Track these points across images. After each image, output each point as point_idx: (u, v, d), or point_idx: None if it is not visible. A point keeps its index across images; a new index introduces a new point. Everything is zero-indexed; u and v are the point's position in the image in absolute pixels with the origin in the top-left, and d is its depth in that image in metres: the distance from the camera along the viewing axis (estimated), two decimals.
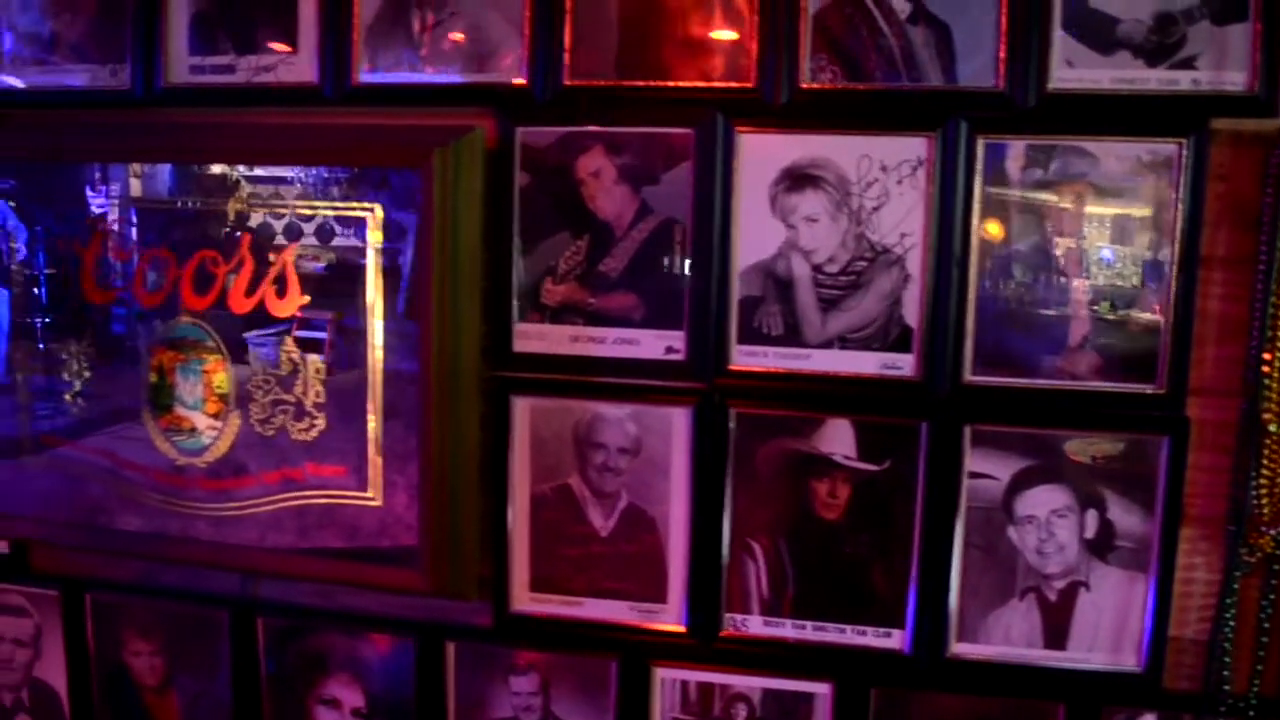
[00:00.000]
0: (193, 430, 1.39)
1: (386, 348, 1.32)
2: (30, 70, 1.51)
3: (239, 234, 1.34)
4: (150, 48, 1.44)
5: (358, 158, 1.29)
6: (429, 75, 1.36)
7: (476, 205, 1.30)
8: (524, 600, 1.41)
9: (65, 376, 1.43)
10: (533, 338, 1.36)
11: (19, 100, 1.51)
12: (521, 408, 1.38)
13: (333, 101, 1.38)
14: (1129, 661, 1.27)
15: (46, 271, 1.43)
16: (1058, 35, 1.21)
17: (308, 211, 1.32)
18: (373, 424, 1.32)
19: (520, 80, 1.33)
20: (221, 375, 1.37)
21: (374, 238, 1.30)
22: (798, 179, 1.28)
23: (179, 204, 1.38)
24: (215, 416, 1.38)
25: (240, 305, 1.35)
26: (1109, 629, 1.28)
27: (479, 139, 1.30)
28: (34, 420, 1.47)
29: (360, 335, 1.32)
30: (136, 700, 1.59)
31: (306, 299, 1.32)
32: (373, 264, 1.31)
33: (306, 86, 1.39)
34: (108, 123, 1.42)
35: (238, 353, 1.36)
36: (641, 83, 1.31)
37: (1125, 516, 1.26)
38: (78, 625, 1.59)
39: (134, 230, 1.40)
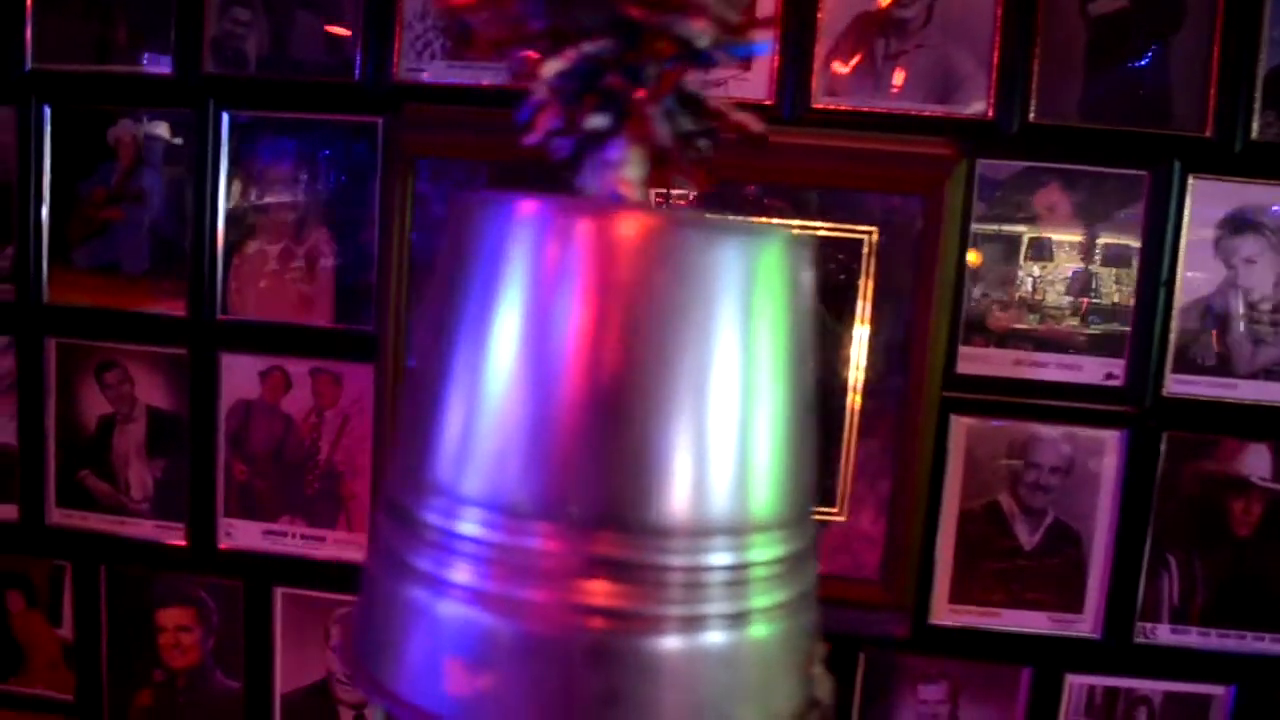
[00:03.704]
0: None
1: (869, 367, 1.35)
2: (439, 65, 1.46)
3: None
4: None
5: (865, 182, 1.32)
6: (887, 103, 1.40)
7: (957, 233, 1.36)
8: (943, 612, 1.47)
9: None
10: (976, 360, 1.42)
11: (424, 95, 1.45)
12: (958, 427, 1.44)
13: (790, 123, 1.40)
14: None
15: None
16: None
17: (798, 229, 1.34)
18: (848, 442, 1.36)
19: (988, 115, 1.39)
20: None
21: (866, 260, 1.33)
22: (1240, 224, 1.40)
23: None
24: None
25: None
26: None
27: (964, 170, 1.35)
28: None
29: (845, 357, 1.35)
30: None
31: None
32: (864, 286, 1.34)
33: (759, 105, 1.41)
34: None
35: None
36: (1103, 125, 1.39)
37: None
38: None
39: None
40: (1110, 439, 1.44)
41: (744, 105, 1.36)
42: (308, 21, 1.48)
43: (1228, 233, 1.40)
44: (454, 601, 0.55)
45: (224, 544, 1.57)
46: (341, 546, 1.55)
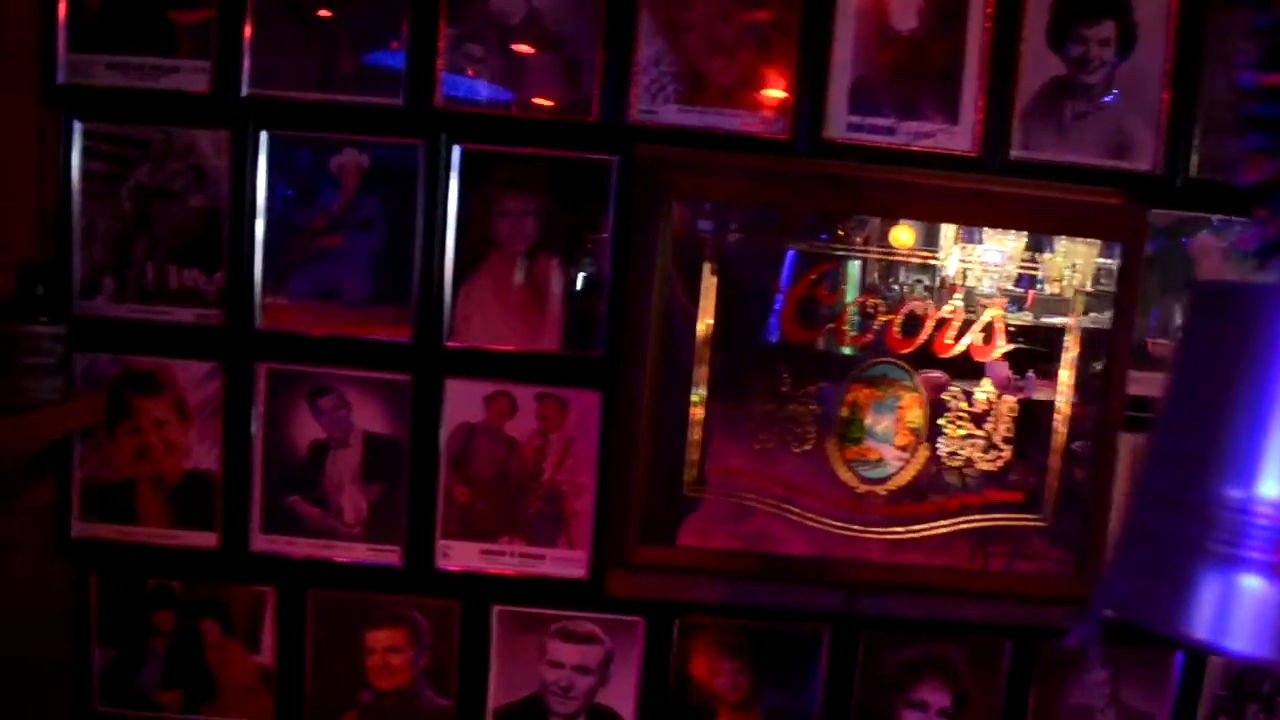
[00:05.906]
0: (879, 461, 1.52)
1: (1074, 392, 1.53)
2: (671, 109, 1.55)
3: (951, 287, 1.50)
4: (816, 102, 1.55)
5: (1069, 227, 1.50)
6: (1070, 155, 1.59)
7: (1140, 275, 1.56)
8: None
9: (753, 410, 1.50)
10: (1140, 383, 1.63)
11: (656, 136, 1.54)
12: (1124, 443, 1.64)
13: (991, 172, 1.57)
14: None
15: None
16: None
17: (1018, 272, 1.51)
18: (1055, 459, 1.53)
19: (1157, 170, 1.60)
20: (915, 411, 1.51)
21: (1072, 299, 1.51)
22: None
23: (890, 256, 1.51)
24: (903, 449, 1.52)
25: (943, 350, 1.50)
26: None
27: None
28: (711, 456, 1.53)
29: (1052, 383, 1.52)
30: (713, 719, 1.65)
31: (1010, 347, 1.51)
32: (1073, 324, 1.52)
33: (965, 155, 1.57)
34: (811, 173, 1.51)
35: (934, 391, 1.51)
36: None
37: None
38: (659, 649, 1.63)
39: (840, 276, 1.51)
40: None
41: (948, 154, 1.52)
42: (543, 62, 1.55)
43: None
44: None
45: (441, 564, 1.61)
46: (561, 564, 1.61)
